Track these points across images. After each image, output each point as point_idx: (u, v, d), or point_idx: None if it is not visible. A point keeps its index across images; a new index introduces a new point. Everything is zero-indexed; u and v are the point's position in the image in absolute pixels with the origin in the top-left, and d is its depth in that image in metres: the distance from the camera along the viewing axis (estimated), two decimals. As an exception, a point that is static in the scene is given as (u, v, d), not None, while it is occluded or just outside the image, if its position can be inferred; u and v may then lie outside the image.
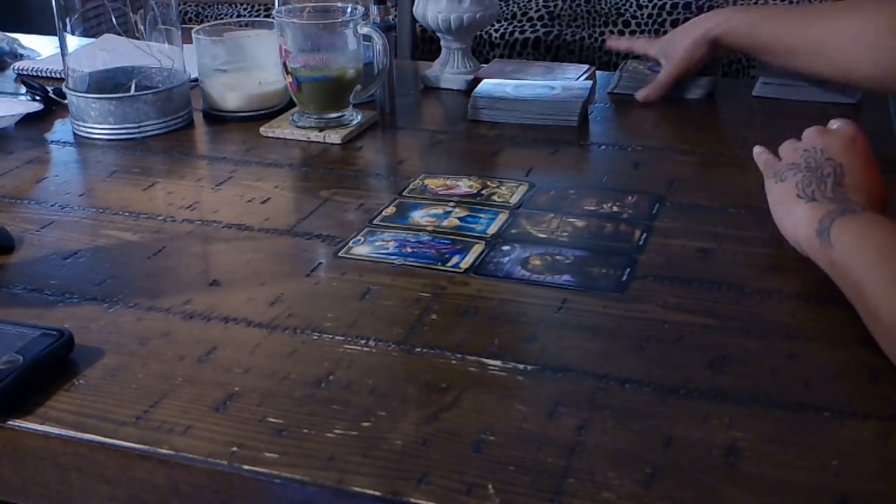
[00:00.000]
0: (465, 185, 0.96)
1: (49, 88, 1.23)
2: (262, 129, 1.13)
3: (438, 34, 1.29)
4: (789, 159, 0.83)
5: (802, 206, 0.77)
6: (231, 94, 1.18)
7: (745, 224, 0.87)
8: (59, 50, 1.17)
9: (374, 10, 1.17)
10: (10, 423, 0.62)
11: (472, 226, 0.88)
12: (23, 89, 1.27)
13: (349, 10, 1.11)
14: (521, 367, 0.67)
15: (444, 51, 1.31)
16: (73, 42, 1.15)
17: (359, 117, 1.14)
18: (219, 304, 0.76)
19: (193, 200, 0.96)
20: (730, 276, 0.78)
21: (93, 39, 1.18)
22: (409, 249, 0.83)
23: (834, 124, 0.84)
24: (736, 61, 1.84)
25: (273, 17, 1.13)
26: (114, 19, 1.15)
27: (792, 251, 0.78)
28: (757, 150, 0.88)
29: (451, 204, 0.92)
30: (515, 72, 1.28)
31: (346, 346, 0.70)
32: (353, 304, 0.75)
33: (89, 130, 1.13)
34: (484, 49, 1.98)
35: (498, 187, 0.96)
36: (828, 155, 0.80)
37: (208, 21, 1.86)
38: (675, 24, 1.96)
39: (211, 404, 0.63)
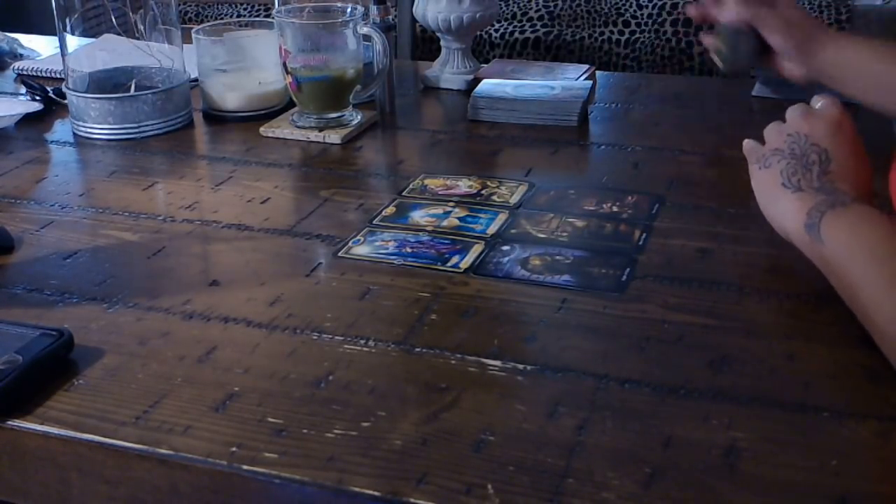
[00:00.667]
0: (464, 185, 0.96)
1: (49, 88, 1.23)
2: (261, 129, 1.13)
3: (438, 34, 1.29)
4: (773, 144, 0.80)
5: (789, 196, 0.76)
6: (231, 94, 1.18)
7: (745, 224, 0.87)
8: (59, 50, 1.17)
9: (374, 10, 1.17)
10: (9, 423, 0.62)
11: (471, 226, 0.88)
12: (23, 89, 1.27)
13: (349, 10, 1.11)
14: (520, 367, 0.67)
15: (444, 51, 1.31)
16: (73, 42, 1.15)
17: (359, 117, 1.14)
18: (219, 304, 0.76)
19: (193, 200, 0.96)
20: (730, 277, 0.78)
21: (93, 39, 1.18)
22: (408, 249, 0.83)
23: (817, 103, 0.81)
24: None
25: (273, 17, 1.13)
26: (114, 19, 1.15)
27: (792, 251, 0.78)
28: (746, 140, 0.87)
29: (451, 204, 0.92)
30: (515, 72, 1.28)
31: (346, 346, 0.70)
32: (353, 304, 0.75)
33: (89, 130, 1.13)
34: (484, 49, 1.98)
35: (498, 187, 0.96)
36: (813, 140, 0.77)
37: (208, 21, 1.86)
38: (674, 23, 1.97)
39: (210, 404, 0.63)
